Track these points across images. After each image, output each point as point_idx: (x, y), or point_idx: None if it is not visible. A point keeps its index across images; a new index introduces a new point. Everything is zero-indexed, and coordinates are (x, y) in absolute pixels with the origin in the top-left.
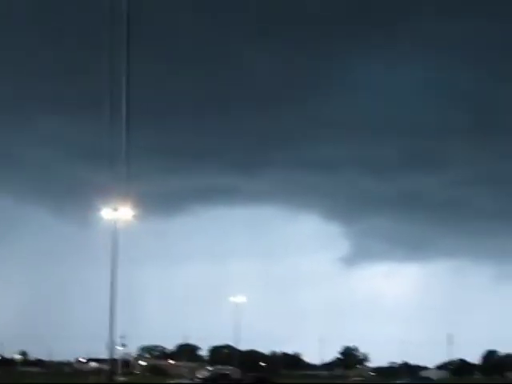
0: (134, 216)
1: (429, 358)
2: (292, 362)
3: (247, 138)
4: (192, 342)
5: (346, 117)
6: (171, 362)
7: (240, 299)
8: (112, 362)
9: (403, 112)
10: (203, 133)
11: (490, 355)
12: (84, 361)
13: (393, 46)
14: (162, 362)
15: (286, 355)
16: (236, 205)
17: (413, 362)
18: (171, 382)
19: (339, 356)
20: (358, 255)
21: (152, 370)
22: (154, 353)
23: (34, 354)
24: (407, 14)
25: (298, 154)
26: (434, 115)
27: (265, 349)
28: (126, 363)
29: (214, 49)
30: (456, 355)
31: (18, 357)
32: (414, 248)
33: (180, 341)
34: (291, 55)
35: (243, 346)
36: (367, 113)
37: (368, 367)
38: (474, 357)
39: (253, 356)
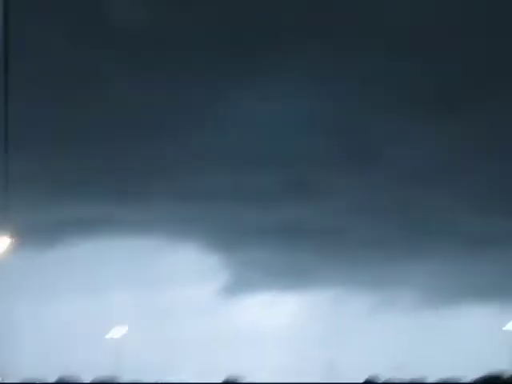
0: (11, 247)
1: None
2: None
3: (128, 166)
4: (71, 378)
5: (228, 148)
6: None
7: (121, 332)
8: None
9: (285, 143)
10: (83, 160)
11: (371, 382)
12: None
13: (275, 78)
14: None
15: None
16: (115, 235)
17: None
18: None
19: None
20: (239, 285)
21: None
22: None
23: None
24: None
25: (178, 184)
26: (311, 145)
27: (147, 380)
28: None
29: (88, 76)
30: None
31: None
32: (293, 277)
33: (59, 379)
34: (167, 85)
35: (125, 378)
36: (250, 145)
37: None
38: None
39: None
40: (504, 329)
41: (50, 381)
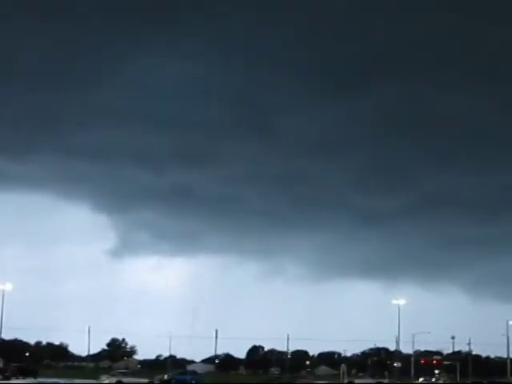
0: None
1: (195, 351)
2: (58, 352)
3: (15, 120)
4: None
5: (119, 106)
6: None
7: (5, 286)
8: None
9: (179, 106)
10: None
11: (255, 350)
12: None
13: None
14: None
15: (51, 345)
16: (3, 190)
17: (179, 355)
18: None
19: (106, 348)
20: (125, 248)
21: None
22: None
23: None
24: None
25: (67, 141)
26: (207, 111)
27: (29, 339)
28: None
29: None
30: (222, 350)
31: None
32: (181, 242)
33: None
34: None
35: (7, 335)
36: (140, 104)
37: (135, 360)
38: (240, 351)
39: (16, 345)
40: (393, 302)
41: None
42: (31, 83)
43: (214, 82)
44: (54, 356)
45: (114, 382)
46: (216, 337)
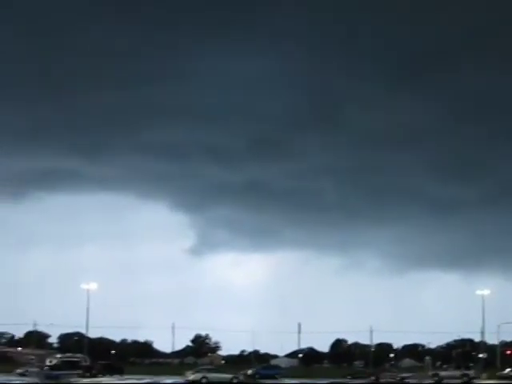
0: None
1: (278, 346)
2: (142, 349)
3: (89, 121)
4: (41, 329)
5: (194, 104)
6: (19, 349)
7: (90, 286)
8: None
9: (251, 101)
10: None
11: (338, 344)
12: None
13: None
14: (8, 350)
15: (136, 343)
16: (81, 191)
17: (263, 350)
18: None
19: (190, 344)
20: (204, 245)
21: None
22: (1, 340)
23: None
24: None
25: (142, 140)
26: (281, 105)
27: (115, 336)
28: None
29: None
30: (305, 344)
31: None
32: (259, 238)
33: (29, 328)
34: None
35: (93, 333)
36: (215, 101)
37: (219, 355)
38: (323, 345)
39: (103, 343)
40: (477, 292)
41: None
42: (102, 85)
43: (286, 73)
44: (139, 353)
45: (200, 377)
46: (299, 331)
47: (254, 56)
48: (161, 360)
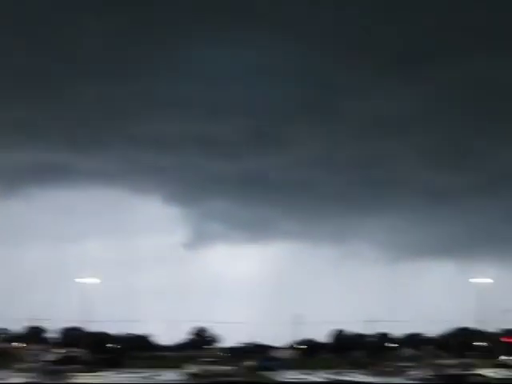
0: None
1: (277, 338)
2: (142, 343)
3: (79, 114)
4: (40, 324)
5: (185, 95)
6: (17, 344)
7: (88, 280)
8: None
9: (248, 92)
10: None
11: (338, 334)
12: None
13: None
14: (7, 345)
15: (135, 336)
16: (72, 185)
17: (263, 342)
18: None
19: (190, 337)
20: (199, 238)
21: None
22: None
23: None
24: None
25: (135, 133)
26: (278, 97)
27: (114, 330)
28: None
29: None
30: (304, 335)
31: None
32: (255, 230)
33: (27, 323)
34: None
35: (92, 327)
36: (209, 92)
37: (220, 348)
38: (322, 336)
39: (102, 338)
40: (472, 281)
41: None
42: (92, 79)
43: (278, 64)
44: (139, 347)
45: (199, 370)
46: (298, 322)
47: (244, 47)
48: (160, 353)
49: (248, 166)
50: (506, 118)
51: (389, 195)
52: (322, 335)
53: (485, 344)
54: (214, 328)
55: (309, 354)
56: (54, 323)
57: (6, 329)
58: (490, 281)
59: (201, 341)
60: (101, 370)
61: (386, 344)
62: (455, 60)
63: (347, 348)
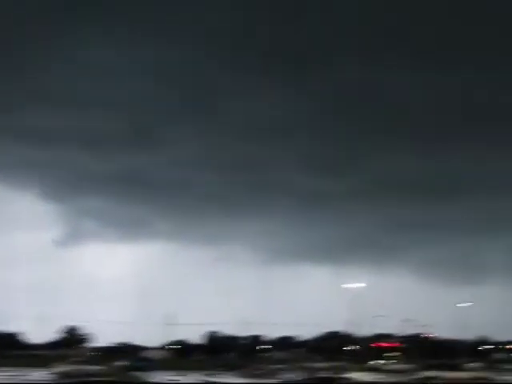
0: None
1: (150, 338)
2: (11, 341)
3: None
4: None
5: (59, 92)
6: None
7: None
8: None
9: (125, 90)
10: None
11: (211, 335)
12: None
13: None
14: None
15: (4, 334)
16: None
17: (135, 342)
18: None
19: (61, 336)
20: (74, 235)
21: None
22: None
23: None
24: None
25: (7, 125)
26: (153, 94)
27: None
28: None
29: None
30: (177, 336)
31: None
32: (129, 229)
33: None
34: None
35: None
36: (85, 88)
37: (91, 347)
38: (195, 337)
39: None
40: (346, 286)
41: None
42: None
43: (160, 64)
44: (8, 345)
45: (68, 369)
46: (170, 323)
47: (121, 46)
48: (30, 352)
49: (124, 164)
50: (386, 125)
51: (265, 198)
52: (195, 336)
53: (356, 348)
54: (86, 327)
55: (181, 355)
56: None
57: None
58: (362, 285)
59: (72, 340)
60: None
61: (259, 346)
62: (340, 67)
63: (220, 350)
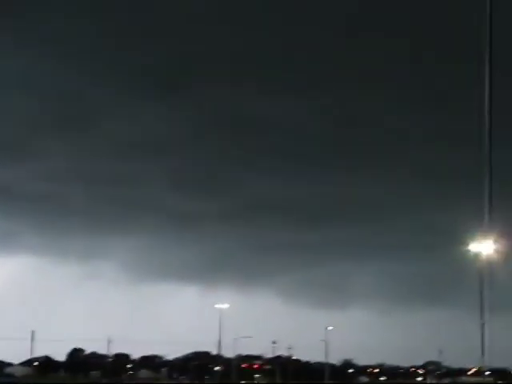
0: None
1: (12, 354)
2: None
3: None
4: None
5: None
6: None
7: None
8: None
9: None
10: None
11: (75, 353)
12: None
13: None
14: None
15: None
16: None
17: None
18: None
19: None
20: None
21: None
22: None
23: None
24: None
25: None
26: (27, 106)
27: None
28: None
29: None
30: (41, 352)
31: None
32: None
33: None
34: None
35: None
36: None
37: None
38: (60, 354)
39: None
40: (214, 306)
41: None
42: None
43: (35, 76)
44: None
45: None
46: (33, 339)
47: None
48: None
49: None
50: (260, 147)
51: (135, 216)
52: (59, 353)
53: (222, 368)
54: None
55: (45, 371)
56: None
57: None
58: (227, 306)
59: None
60: None
61: (125, 365)
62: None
63: (85, 367)
